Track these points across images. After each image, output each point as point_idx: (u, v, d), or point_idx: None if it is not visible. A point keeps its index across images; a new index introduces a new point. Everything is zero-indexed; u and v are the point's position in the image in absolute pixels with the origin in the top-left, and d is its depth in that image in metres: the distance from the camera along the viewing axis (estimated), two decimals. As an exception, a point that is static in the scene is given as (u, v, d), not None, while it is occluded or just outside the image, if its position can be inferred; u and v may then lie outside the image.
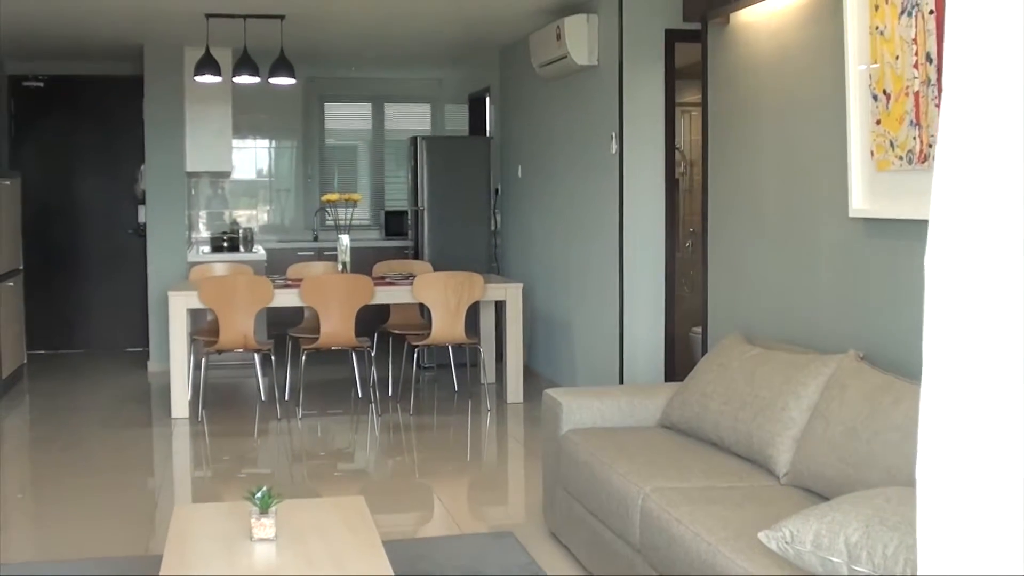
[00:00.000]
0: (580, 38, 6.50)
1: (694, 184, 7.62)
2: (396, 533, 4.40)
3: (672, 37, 6.10)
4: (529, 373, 7.56)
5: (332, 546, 3.11)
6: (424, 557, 4.07)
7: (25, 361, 8.35)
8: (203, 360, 6.89)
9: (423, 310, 7.42)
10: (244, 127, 9.66)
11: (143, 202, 8.89)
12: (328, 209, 8.14)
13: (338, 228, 7.57)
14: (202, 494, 5.42)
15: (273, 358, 7.04)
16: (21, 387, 7.95)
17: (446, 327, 6.84)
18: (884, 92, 3.52)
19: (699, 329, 5.31)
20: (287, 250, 9.63)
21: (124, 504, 5.02)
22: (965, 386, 1.01)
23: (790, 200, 4.36)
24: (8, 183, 7.88)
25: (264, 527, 3.10)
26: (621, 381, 6.20)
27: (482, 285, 6.93)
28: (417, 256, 8.57)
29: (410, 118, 10.62)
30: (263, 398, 7.23)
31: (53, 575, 3.97)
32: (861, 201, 3.72)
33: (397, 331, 7.48)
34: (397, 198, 10.40)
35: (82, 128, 9.40)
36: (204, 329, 7.16)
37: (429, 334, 6.91)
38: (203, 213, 9.88)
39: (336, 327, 6.72)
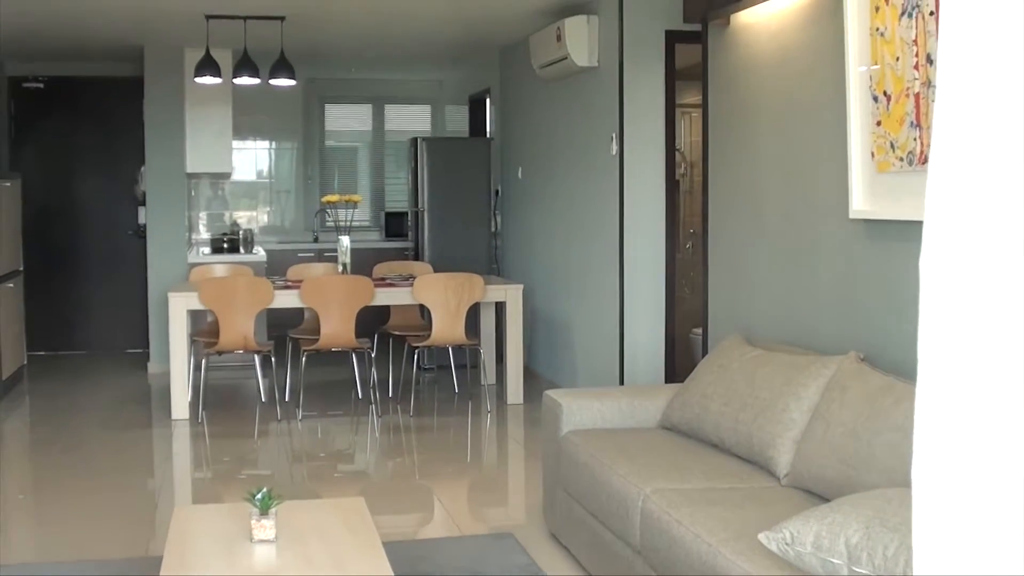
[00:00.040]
0: (580, 39, 6.50)
1: (694, 185, 7.62)
2: (396, 534, 4.40)
3: (672, 38, 6.10)
4: (529, 374, 7.56)
5: (332, 547, 3.11)
6: (424, 558, 4.07)
7: (25, 362, 8.34)
8: (203, 361, 6.89)
9: (423, 311, 7.42)
10: (244, 128, 9.67)
11: (143, 203, 8.89)
12: (328, 210, 8.14)
13: (338, 229, 7.58)
14: (202, 495, 5.42)
15: (273, 359, 7.04)
16: (21, 388, 7.94)
17: (446, 328, 6.84)
18: (885, 93, 3.52)
19: (699, 330, 5.31)
20: (287, 251, 9.63)
21: (124, 505, 5.02)
22: (960, 388, 1.01)
23: (790, 201, 4.36)
24: (8, 184, 7.89)
25: (264, 528, 3.10)
26: (621, 382, 6.20)
27: (482, 286, 6.93)
28: (417, 257, 8.57)
29: (410, 119, 10.62)
30: (263, 399, 7.23)
31: (53, 576, 3.97)
32: (862, 202, 3.72)
33: (397, 332, 7.48)
34: (397, 199, 10.40)
35: (82, 129, 9.40)
36: (204, 330, 7.16)
37: (429, 335, 6.91)
38: (203, 214, 9.88)
39: (336, 328, 6.72)
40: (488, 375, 7.58)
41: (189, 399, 6.73)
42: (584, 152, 6.82)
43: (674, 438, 4.02)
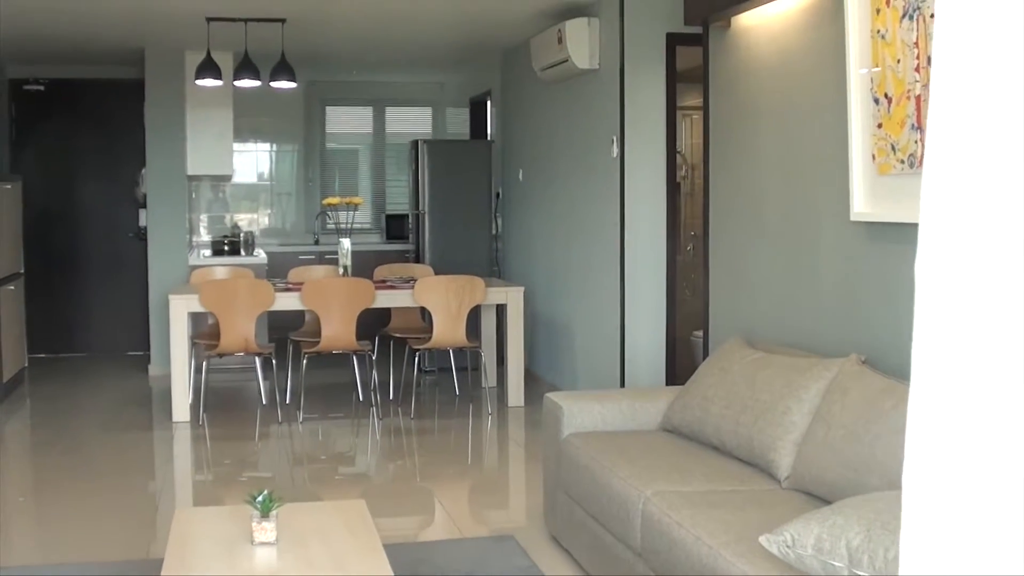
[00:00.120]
0: (581, 42, 6.50)
1: (695, 188, 7.62)
2: (397, 537, 4.39)
3: (673, 41, 6.10)
4: (530, 377, 7.56)
5: (333, 550, 3.11)
6: (425, 561, 4.07)
7: (26, 365, 8.35)
8: (204, 364, 6.89)
9: (424, 314, 7.42)
10: (245, 131, 9.67)
11: (144, 206, 8.89)
12: (329, 213, 8.14)
13: (339, 232, 7.58)
14: (203, 498, 5.42)
15: (274, 362, 7.04)
16: (22, 391, 7.94)
17: (447, 331, 6.84)
18: (885, 96, 3.52)
19: (700, 333, 5.31)
20: (288, 254, 9.63)
21: (125, 507, 5.02)
22: (954, 392, 1.01)
23: (791, 204, 4.36)
24: (9, 187, 7.89)
25: (265, 531, 3.10)
26: (622, 385, 6.20)
27: (483, 289, 6.93)
28: (418, 260, 8.57)
29: (411, 122, 10.62)
30: (264, 402, 7.23)
31: (54, 579, 3.97)
32: (862, 205, 3.72)
33: (398, 335, 7.48)
34: (398, 202, 10.40)
35: (83, 132, 9.41)
36: (205, 333, 7.16)
37: (430, 338, 6.91)
38: (204, 217, 9.88)
39: (337, 331, 6.72)
40: (489, 377, 7.58)
41: (190, 401, 6.73)
42: (585, 154, 6.82)
43: (675, 440, 4.02)
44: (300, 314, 7.35)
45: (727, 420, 3.77)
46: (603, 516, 3.66)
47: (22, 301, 8.19)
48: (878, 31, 3.54)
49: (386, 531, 3.70)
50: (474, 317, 7.25)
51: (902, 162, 3.45)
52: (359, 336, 6.81)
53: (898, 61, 3.43)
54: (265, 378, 7.33)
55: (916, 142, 3.38)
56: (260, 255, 8.80)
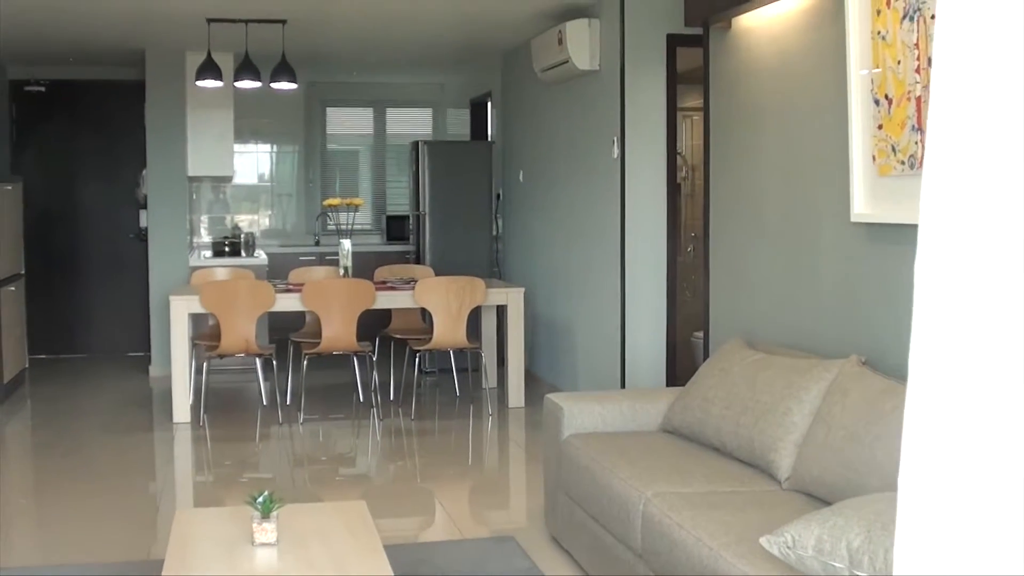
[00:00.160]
0: (582, 43, 6.51)
1: (696, 188, 7.62)
2: (398, 537, 4.39)
3: (674, 42, 6.10)
4: (530, 377, 7.56)
5: (334, 550, 3.11)
6: (425, 561, 4.07)
7: (27, 365, 8.35)
8: (204, 364, 6.89)
9: (424, 315, 7.42)
10: (245, 131, 9.67)
11: (144, 206, 8.89)
12: (330, 214, 8.14)
13: (339, 233, 7.58)
14: (204, 498, 5.42)
15: (275, 362, 7.04)
16: (23, 392, 7.95)
17: (448, 331, 6.84)
18: (886, 97, 3.52)
19: (701, 334, 5.31)
20: (289, 255, 9.63)
21: (125, 508, 5.02)
22: (951, 394, 1.01)
23: (792, 205, 4.36)
24: (10, 187, 7.89)
25: (266, 531, 3.10)
26: (623, 385, 6.20)
27: (484, 289, 6.93)
28: (419, 260, 8.57)
29: (412, 122, 10.62)
30: (265, 402, 7.23)
31: (54, 580, 3.97)
32: (863, 206, 3.72)
33: (399, 335, 7.48)
34: (399, 203, 10.40)
35: (83, 132, 9.41)
36: (205, 333, 7.16)
37: (431, 338, 6.91)
38: (204, 218, 9.88)
39: (338, 331, 6.72)
40: (489, 378, 7.58)
41: (190, 402, 6.73)
42: (585, 155, 6.82)
43: (675, 442, 4.02)
44: (301, 315, 7.35)
45: (727, 421, 3.77)
46: (603, 517, 3.66)
47: (23, 302, 8.20)
48: (879, 32, 3.54)
49: (386, 532, 3.70)
50: (474, 318, 7.25)
51: (902, 163, 3.46)
52: (360, 337, 6.81)
53: (898, 62, 3.43)
54: (266, 379, 7.33)
55: (916, 143, 3.38)
56: (261, 256, 8.80)
